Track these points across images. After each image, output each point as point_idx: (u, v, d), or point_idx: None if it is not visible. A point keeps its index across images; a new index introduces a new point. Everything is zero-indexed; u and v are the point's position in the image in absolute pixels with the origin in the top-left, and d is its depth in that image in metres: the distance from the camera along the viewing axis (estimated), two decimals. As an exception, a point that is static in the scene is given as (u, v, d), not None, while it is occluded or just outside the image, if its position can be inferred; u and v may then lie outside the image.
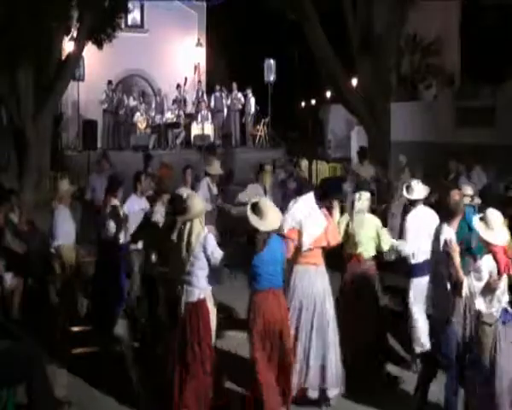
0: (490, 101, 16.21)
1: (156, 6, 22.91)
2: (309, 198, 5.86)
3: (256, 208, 5.27)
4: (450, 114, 17.56)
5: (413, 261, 6.29)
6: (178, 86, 21.69)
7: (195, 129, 20.63)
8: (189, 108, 21.86)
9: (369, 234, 6.13)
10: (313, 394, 5.65)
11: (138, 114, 20.59)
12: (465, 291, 4.90)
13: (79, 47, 14.74)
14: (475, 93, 16.89)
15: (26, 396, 4.95)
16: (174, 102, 21.51)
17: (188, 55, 23.70)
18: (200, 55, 24.07)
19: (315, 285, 5.69)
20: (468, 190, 6.99)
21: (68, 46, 16.30)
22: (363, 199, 6.14)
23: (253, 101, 21.70)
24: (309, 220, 5.68)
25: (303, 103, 30.76)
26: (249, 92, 21.56)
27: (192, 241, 5.27)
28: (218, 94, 21.52)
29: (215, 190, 8.54)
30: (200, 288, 5.35)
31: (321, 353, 5.62)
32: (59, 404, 5.42)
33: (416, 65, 24.25)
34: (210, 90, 22.54)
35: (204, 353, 5.29)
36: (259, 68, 21.92)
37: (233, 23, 25.52)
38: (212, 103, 21.44)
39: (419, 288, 6.22)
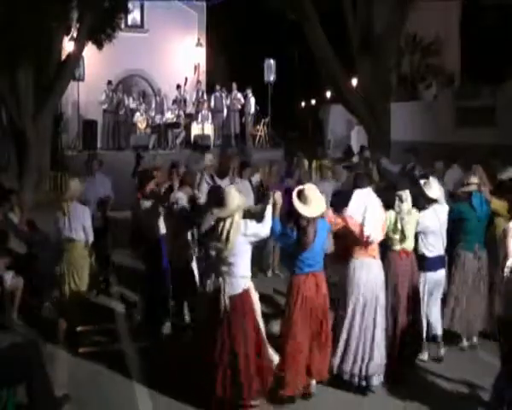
0: (490, 101, 16.20)
1: (156, 6, 22.92)
2: (369, 192, 6.02)
3: (301, 195, 5.46)
4: (451, 114, 17.57)
5: (430, 255, 6.53)
6: (178, 86, 21.70)
7: (195, 129, 20.65)
8: (189, 108, 21.86)
9: (414, 230, 6.39)
10: (354, 379, 5.84)
11: (138, 114, 20.59)
12: None
13: (79, 47, 14.74)
14: (475, 93, 16.88)
15: (26, 396, 4.95)
16: (174, 102, 21.52)
17: (188, 55, 23.71)
18: (200, 55, 24.07)
19: (377, 277, 5.91)
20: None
21: (68, 46, 16.29)
22: (408, 198, 6.26)
23: (252, 101, 21.70)
24: (371, 214, 5.85)
25: (303, 103, 30.81)
26: (249, 92, 21.56)
27: (231, 236, 5.30)
28: (218, 94, 21.53)
29: (219, 181, 8.51)
30: (244, 278, 5.43)
31: (371, 342, 5.83)
32: (59, 404, 5.42)
33: (415, 65, 24.27)
34: (210, 90, 22.55)
35: (253, 339, 5.36)
36: (259, 68, 21.94)
37: (233, 23, 25.54)
38: (212, 103, 21.44)
39: (432, 281, 6.55)
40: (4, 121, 15.11)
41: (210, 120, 20.84)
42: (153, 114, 21.15)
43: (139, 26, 23.07)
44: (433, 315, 6.64)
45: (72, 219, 7.04)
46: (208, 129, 20.61)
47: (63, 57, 15.34)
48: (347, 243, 5.95)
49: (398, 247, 6.24)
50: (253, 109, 21.80)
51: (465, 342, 6.93)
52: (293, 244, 5.53)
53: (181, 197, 7.17)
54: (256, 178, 9.38)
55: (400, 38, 16.23)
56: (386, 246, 6.28)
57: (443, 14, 23.35)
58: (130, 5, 18.68)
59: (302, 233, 5.44)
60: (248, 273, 5.49)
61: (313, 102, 29.70)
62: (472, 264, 6.88)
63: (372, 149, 13.18)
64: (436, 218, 6.52)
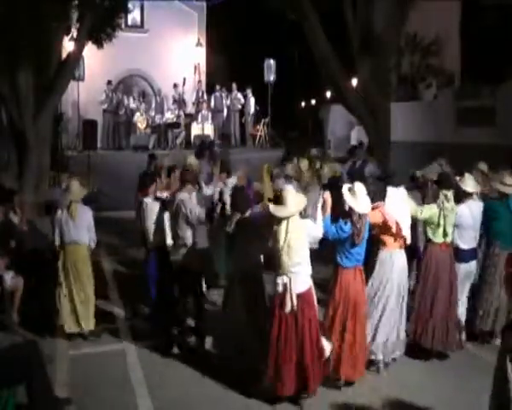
0: (490, 101, 16.19)
1: (156, 6, 22.90)
2: (400, 190, 6.52)
3: (352, 191, 5.84)
4: (451, 114, 17.56)
5: (464, 247, 7.00)
6: (175, 85, 21.68)
7: (195, 129, 20.64)
8: (189, 108, 21.85)
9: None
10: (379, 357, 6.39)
11: (138, 114, 20.58)
12: None
13: (79, 47, 14.70)
14: (475, 93, 16.88)
15: (26, 396, 4.95)
16: (174, 102, 21.50)
17: (188, 55, 23.69)
18: (200, 55, 24.06)
19: (405, 266, 6.48)
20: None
21: (68, 46, 16.27)
22: (451, 196, 6.70)
23: (252, 101, 21.69)
24: (404, 211, 6.41)
25: (303, 103, 30.84)
26: (249, 92, 21.56)
27: (295, 236, 5.38)
28: (218, 94, 21.52)
29: (205, 188, 8.42)
30: (308, 276, 5.54)
31: (399, 324, 6.44)
32: (59, 404, 5.42)
33: (416, 65, 24.30)
34: (210, 90, 22.53)
35: (316, 333, 5.53)
36: (259, 68, 21.92)
37: (233, 23, 25.56)
38: (212, 103, 21.43)
39: (464, 271, 7.03)
40: (4, 121, 15.09)
41: (210, 120, 20.83)
42: (153, 114, 21.14)
43: (139, 26, 23.04)
44: (461, 303, 7.03)
45: (79, 221, 7.00)
46: (208, 129, 20.60)
47: (63, 57, 15.31)
48: (380, 235, 6.41)
49: (439, 240, 6.72)
50: (252, 109, 21.78)
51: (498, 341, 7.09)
52: (344, 239, 5.79)
53: (185, 198, 6.89)
54: (232, 181, 9.02)
55: (400, 38, 16.21)
56: (426, 239, 6.85)
57: (443, 14, 23.36)
58: (130, 5, 18.62)
59: (354, 228, 5.75)
60: (310, 270, 5.60)
61: (313, 102, 29.73)
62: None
63: (372, 150, 13.23)
64: (470, 213, 6.94)
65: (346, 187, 5.96)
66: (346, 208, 5.86)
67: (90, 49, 17.05)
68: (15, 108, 13.15)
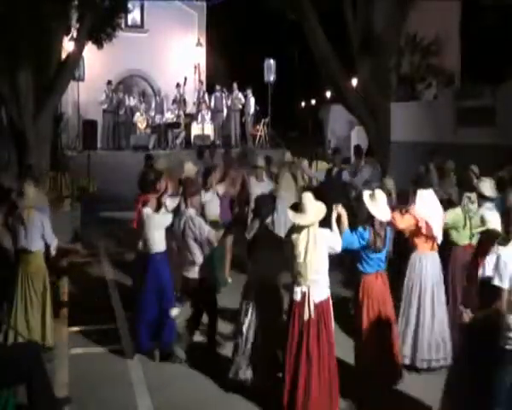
0: (490, 101, 16.18)
1: (156, 6, 22.91)
2: (430, 193, 6.59)
3: (373, 198, 5.82)
4: (451, 114, 17.55)
5: None
6: (178, 85, 21.68)
7: (195, 129, 20.64)
8: (189, 108, 21.86)
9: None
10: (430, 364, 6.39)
11: (138, 114, 20.59)
12: None
13: (79, 47, 14.69)
14: (475, 93, 16.87)
15: (26, 396, 4.95)
16: (174, 102, 21.50)
17: (188, 55, 23.70)
18: (200, 55, 24.07)
19: (437, 268, 6.56)
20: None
21: (68, 46, 16.27)
22: (475, 198, 6.77)
23: (252, 101, 21.68)
24: (436, 213, 6.50)
25: (303, 103, 30.79)
26: (249, 92, 21.55)
27: (315, 245, 5.28)
28: (218, 94, 21.52)
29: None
30: (327, 285, 5.48)
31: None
32: (59, 404, 5.42)
33: (416, 65, 24.29)
34: (210, 90, 22.54)
35: (332, 343, 5.46)
36: (259, 68, 21.92)
37: (233, 23, 25.57)
38: (212, 103, 21.44)
39: None
40: (4, 121, 15.09)
41: (210, 120, 20.84)
42: (153, 114, 21.14)
43: (139, 26, 23.06)
44: None
45: (31, 227, 6.70)
46: (208, 129, 20.61)
47: (63, 57, 15.31)
48: (411, 238, 6.52)
49: (465, 242, 6.79)
50: (252, 109, 21.77)
51: None
52: (365, 247, 5.80)
53: (192, 216, 6.54)
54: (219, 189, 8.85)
55: (400, 38, 16.20)
56: (450, 241, 6.86)
57: (443, 14, 23.37)
58: (130, 5, 18.63)
59: (375, 235, 5.77)
60: (328, 280, 5.51)
61: (313, 102, 29.68)
62: None
63: (372, 150, 13.22)
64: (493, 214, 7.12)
65: (366, 194, 5.93)
66: (364, 215, 5.85)
67: (90, 49, 17.06)
68: (15, 108, 13.14)
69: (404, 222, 6.42)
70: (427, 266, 6.48)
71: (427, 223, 6.39)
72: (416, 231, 6.45)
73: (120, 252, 11.25)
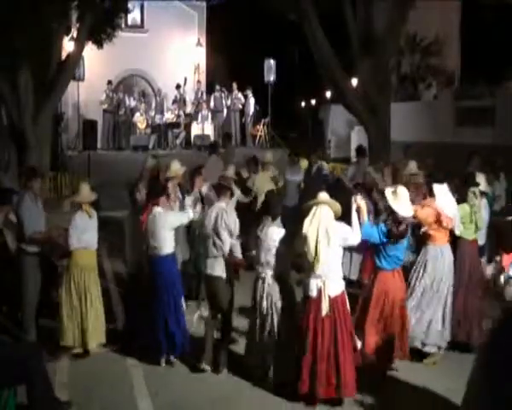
0: (490, 101, 16.20)
1: (156, 6, 22.92)
2: (445, 188, 6.69)
3: (395, 194, 5.88)
4: (450, 114, 17.57)
5: (480, 243, 7.37)
6: (178, 86, 21.69)
7: (195, 129, 20.66)
8: (189, 108, 21.86)
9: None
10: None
11: (138, 114, 20.60)
12: None
13: (79, 47, 14.73)
14: (475, 93, 16.89)
15: (26, 396, 4.95)
16: (174, 102, 21.51)
17: (188, 55, 23.71)
18: (200, 55, 24.08)
19: (452, 259, 6.65)
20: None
21: (68, 46, 16.29)
22: (478, 193, 6.99)
23: (252, 101, 21.70)
24: (452, 205, 6.67)
25: (303, 103, 30.82)
26: (249, 92, 21.56)
27: (328, 241, 5.32)
28: (218, 94, 21.53)
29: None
30: (341, 279, 5.51)
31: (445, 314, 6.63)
32: (59, 404, 5.42)
33: (415, 65, 24.29)
34: (210, 90, 22.55)
35: (350, 334, 5.51)
36: (259, 68, 21.93)
37: (233, 23, 25.55)
38: (212, 103, 21.45)
39: None
40: (4, 121, 15.11)
41: (210, 120, 20.85)
42: (153, 114, 21.15)
43: (139, 26, 23.07)
44: None
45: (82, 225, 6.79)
46: (208, 129, 20.63)
47: (63, 57, 15.33)
48: (430, 231, 6.55)
49: (472, 236, 6.94)
50: (252, 109, 21.79)
51: None
52: (385, 242, 5.85)
53: (225, 209, 6.42)
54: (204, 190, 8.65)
55: (400, 38, 16.20)
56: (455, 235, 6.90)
57: (443, 14, 23.40)
58: (130, 5, 18.67)
59: (396, 231, 5.80)
60: (341, 274, 5.57)
61: (313, 102, 29.71)
62: None
63: (372, 150, 13.22)
64: (485, 210, 7.43)
65: (389, 190, 6.00)
66: (383, 209, 5.99)
67: (90, 49, 17.08)
68: (15, 108, 13.17)
69: (423, 215, 6.49)
70: (447, 257, 6.59)
71: (447, 216, 6.53)
72: (436, 224, 6.52)
73: (121, 252, 11.22)
